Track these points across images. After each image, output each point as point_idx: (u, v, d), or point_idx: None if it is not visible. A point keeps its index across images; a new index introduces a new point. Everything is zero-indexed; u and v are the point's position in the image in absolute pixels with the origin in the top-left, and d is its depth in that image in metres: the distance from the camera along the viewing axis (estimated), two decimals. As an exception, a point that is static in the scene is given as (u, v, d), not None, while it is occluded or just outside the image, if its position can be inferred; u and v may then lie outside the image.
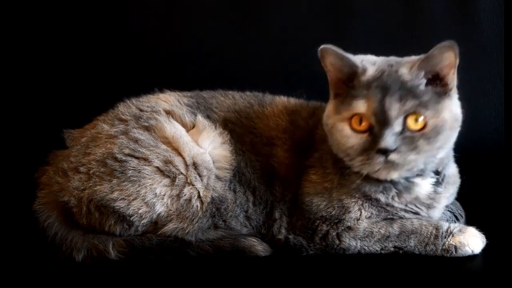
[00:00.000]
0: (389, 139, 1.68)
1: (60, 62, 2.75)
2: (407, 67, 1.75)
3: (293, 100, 2.08)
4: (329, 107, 1.84)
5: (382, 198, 1.82)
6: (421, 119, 1.70)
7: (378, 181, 1.81)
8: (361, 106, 1.73)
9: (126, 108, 1.99)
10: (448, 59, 1.72)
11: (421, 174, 1.82)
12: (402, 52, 1.88)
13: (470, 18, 2.59)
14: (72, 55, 2.75)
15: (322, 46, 1.77)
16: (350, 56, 1.79)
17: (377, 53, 1.88)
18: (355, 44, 1.90)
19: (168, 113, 1.96)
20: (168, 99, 2.02)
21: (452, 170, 1.95)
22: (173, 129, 1.89)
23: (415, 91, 1.71)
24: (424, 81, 1.73)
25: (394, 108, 1.69)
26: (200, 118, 1.96)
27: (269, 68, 2.72)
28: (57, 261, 1.84)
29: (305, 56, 2.67)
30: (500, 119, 2.60)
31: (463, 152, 2.02)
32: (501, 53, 2.58)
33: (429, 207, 1.86)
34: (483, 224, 1.86)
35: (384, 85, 1.72)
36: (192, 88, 2.14)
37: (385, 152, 1.69)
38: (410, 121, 1.70)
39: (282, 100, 2.07)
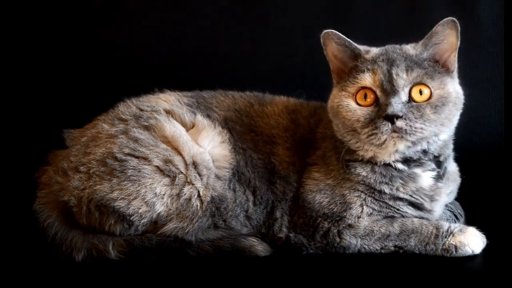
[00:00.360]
0: (396, 106, 1.71)
1: (60, 62, 2.75)
2: (411, 45, 1.83)
3: (293, 100, 2.09)
4: (334, 91, 1.88)
5: (386, 189, 1.83)
6: (426, 91, 1.75)
7: (383, 174, 1.82)
8: (367, 78, 1.77)
9: (126, 108, 1.99)
10: (450, 37, 1.78)
11: (422, 161, 1.83)
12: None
13: (470, 18, 2.59)
14: (72, 55, 2.76)
15: (324, 31, 1.83)
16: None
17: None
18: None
19: (168, 112, 1.96)
20: (168, 99, 2.03)
21: (452, 168, 1.97)
22: (173, 128, 1.89)
23: (421, 63, 1.77)
24: (428, 58, 1.79)
25: (401, 77, 1.74)
26: (199, 118, 1.96)
27: (269, 69, 2.72)
28: (57, 261, 1.84)
29: (305, 57, 2.69)
30: (500, 119, 2.60)
31: (463, 152, 2.02)
32: (501, 53, 2.58)
33: (432, 199, 1.87)
34: (483, 224, 1.86)
35: (390, 58, 1.77)
36: (192, 88, 2.14)
37: (392, 119, 1.71)
38: (415, 93, 1.75)
39: (282, 99, 2.09)
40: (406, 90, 1.74)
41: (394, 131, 1.72)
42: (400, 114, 1.71)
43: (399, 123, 1.71)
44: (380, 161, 1.83)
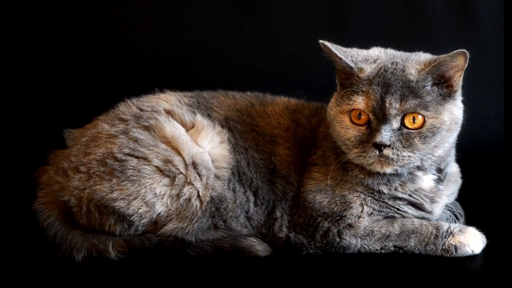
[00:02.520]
0: (385, 135, 1.71)
1: (60, 62, 2.75)
2: (416, 69, 1.76)
3: (294, 100, 2.09)
4: (333, 98, 1.87)
5: (385, 189, 1.83)
6: (419, 117, 1.73)
7: (381, 174, 1.82)
8: (360, 102, 1.76)
9: (127, 108, 1.99)
10: (458, 65, 1.74)
11: (421, 168, 1.83)
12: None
13: (470, 18, 2.59)
14: (72, 55, 2.75)
15: (320, 42, 1.81)
16: (349, 52, 1.82)
17: (377, 53, 1.88)
18: (355, 44, 1.91)
19: (168, 112, 1.96)
20: (168, 99, 2.03)
21: (453, 169, 1.97)
22: (173, 128, 1.89)
23: (418, 92, 1.73)
24: (430, 82, 1.75)
25: (394, 107, 1.72)
26: (199, 118, 1.96)
27: (269, 69, 2.72)
28: (57, 261, 1.84)
29: (305, 57, 2.69)
30: (500, 119, 2.60)
31: (463, 152, 2.02)
32: (501, 53, 2.58)
33: (432, 200, 1.87)
34: (483, 224, 1.86)
35: (385, 83, 1.74)
36: (193, 88, 2.14)
37: (380, 147, 1.72)
38: (408, 120, 1.73)
39: (283, 100, 2.09)
40: (398, 118, 1.73)
41: (381, 156, 1.73)
42: (388, 143, 1.71)
43: (386, 151, 1.72)
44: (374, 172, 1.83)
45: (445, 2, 2.62)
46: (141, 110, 1.97)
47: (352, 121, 1.79)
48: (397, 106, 1.71)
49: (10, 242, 1.99)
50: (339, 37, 1.88)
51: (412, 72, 1.75)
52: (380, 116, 1.73)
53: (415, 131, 1.73)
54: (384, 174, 1.82)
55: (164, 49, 2.75)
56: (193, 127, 1.95)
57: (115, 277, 1.78)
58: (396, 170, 1.79)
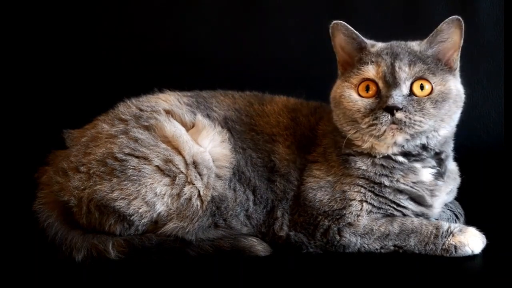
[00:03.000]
0: (396, 98, 1.75)
1: (60, 62, 2.75)
2: (416, 42, 1.86)
3: (292, 99, 2.10)
4: (337, 82, 1.91)
5: (386, 181, 1.84)
6: (427, 86, 1.78)
7: (383, 165, 1.84)
8: (370, 70, 1.81)
9: (126, 108, 1.99)
10: (454, 36, 1.81)
11: (422, 157, 1.84)
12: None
13: (470, 18, 2.59)
14: (72, 55, 2.76)
15: (333, 22, 1.87)
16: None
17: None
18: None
19: (168, 112, 1.96)
20: (168, 99, 2.03)
21: (452, 167, 1.98)
22: (173, 128, 1.89)
23: (424, 59, 1.80)
24: (432, 55, 1.82)
25: (404, 70, 1.77)
26: (199, 117, 1.96)
27: (268, 69, 2.72)
28: (57, 261, 1.84)
29: (304, 56, 2.69)
30: (500, 119, 2.60)
31: (463, 152, 2.03)
32: (501, 53, 2.58)
33: (432, 194, 1.87)
34: (483, 224, 1.86)
35: (394, 52, 1.81)
36: (192, 88, 2.14)
37: (392, 110, 1.74)
38: (416, 88, 1.78)
39: (282, 99, 2.09)
40: (408, 83, 1.77)
41: (393, 122, 1.75)
42: (400, 106, 1.74)
43: (399, 115, 1.74)
44: (378, 153, 1.84)
45: (445, 2, 2.63)
46: (141, 110, 1.97)
47: (360, 95, 1.82)
48: (407, 69, 1.77)
49: (10, 242, 1.99)
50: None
51: (414, 44, 1.86)
52: (391, 82, 1.77)
53: (425, 97, 1.77)
54: (386, 165, 1.82)
55: (164, 49, 2.75)
56: (193, 126, 1.95)
57: (115, 277, 1.78)
58: (407, 141, 1.80)
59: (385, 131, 1.76)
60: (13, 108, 2.72)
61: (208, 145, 1.91)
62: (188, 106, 2.01)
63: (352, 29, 1.86)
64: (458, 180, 2.00)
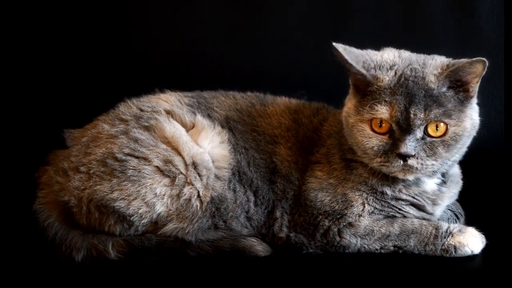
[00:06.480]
0: (410, 145, 1.70)
1: (60, 62, 2.75)
2: (435, 75, 1.74)
3: (294, 101, 2.09)
4: (349, 104, 1.83)
5: (388, 191, 1.84)
6: (442, 125, 1.72)
7: (385, 176, 1.82)
8: (384, 112, 1.73)
9: (127, 108, 1.99)
10: (476, 71, 1.72)
11: (435, 173, 1.84)
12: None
13: (470, 18, 2.59)
14: (72, 55, 2.76)
15: (333, 45, 1.76)
16: (362, 57, 1.78)
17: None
18: (355, 44, 1.91)
19: (168, 113, 1.96)
20: (169, 99, 2.03)
21: (455, 170, 1.96)
22: (173, 129, 1.89)
23: (440, 100, 1.72)
24: (447, 86, 1.74)
25: (419, 118, 1.70)
26: (199, 118, 1.96)
27: (270, 69, 2.72)
28: (57, 261, 1.84)
29: (306, 57, 2.69)
30: (500, 119, 2.60)
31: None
32: (501, 53, 2.58)
33: (434, 203, 1.87)
34: (483, 224, 1.86)
35: (408, 93, 1.72)
36: (193, 89, 2.14)
37: (405, 157, 1.71)
38: (431, 128, 1.72)
39: (284, 100, 2.08)
40: (422, 128, 1.72)
41: (405, 166, 1.73)
42: (413, 153, 1.71)
43: (411, 161, 1.72)
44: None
45: (445, 2, 2.63)
46: (141, 110, 1.97)
47: (373, 130, 1.76)
48: (422, 116, 1.70)
49: (10, 242, 1.99)
50: (339, 38, 1.87)
51: (432, 79, 1.73)
52: (405, 127, 1.71)
53: (439, 139, 1.72)
54: (390, 176, 1.82)
55: (164, 49, 2.75)
56: (193, 127, 1.95)
57: (114, 277, 1.78)
58: (418, 178, 1.81)
59: (395, 172, 1.76)
60: (13, 108, 2.72)
61: (207, 145, 1.91)
62: (189, 106, 2.01)
63: (346, 58, 1.73)
64: (460, 184, 1.98)
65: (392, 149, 1.73)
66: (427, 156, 1.73)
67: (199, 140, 1.91)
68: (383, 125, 1.75)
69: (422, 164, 1.72)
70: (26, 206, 1.95)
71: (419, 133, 1.72)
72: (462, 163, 2.00)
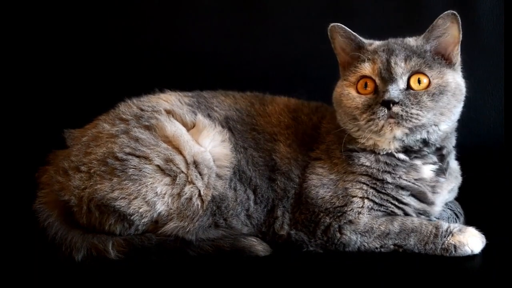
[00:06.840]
0: (393, 92, 1.76)
1: (60, 62, 2.75)
2: (413, 38, 1.87)
3: (293, 100, 2.11)
4: (338, 83, 1.93)
5: (389, 178, 1.85)
6: (425, 80, 1.79)
7: (386, 163, 1.85)
8: (367, 67, 1.82)
9: (127, 108, 1.99)
10: (451, 31, 1.82)
11: (423, 153, 1.85)
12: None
13: (470, 18, 2.59)
14: (72, 55, 2.76)
15: (331, 24, 1.88)
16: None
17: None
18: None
19: (169, 112, 1.96)
20: (169, 99, 2.03)
21: (454, 165, 1.99)
22: (174, 128, 1.90)
23: (421, 54, 1.81)
24: (429, 50, 1.83)
25: (399, 66, 1.78)
26: (200, 117, 1.96)
27: (269, 69, 2.72)
28: (57, 261, 1.84)
29: (305, 57, 2.69)
30: (500, 119, 2.61)
31: (463, 152, 2.03)
32: (501, 53, 2.59)
33: (433, 191, 1.88)
34: (483, 224, 1.86)
35: (389, 48, 1.83)
36: (193, 88, 2.14)
37: (388, 104, 1.75)
38: (413, 82, 1.78)
39: (282, 99, 2.10)
40: (404, 78, 1.79)
41: (390, 116, 1.76)
42: (397, 100, 1.75)
43: (395, 108, 1.75)
44: (381, 149, 1.85)
45: (445, 2, 2.63)
46: (142, 110, 1.97)
47: (358, 92, 1.84)
48: (402, 65, 1.78)
49: (10, 242, 1.99)
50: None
51: (410, 39, 1.87)
52: (387, 77, 1.78)
53: (422, 91, 1.78)
54: (389, 163, 1.83)
55: (164, 49, 2.76)
56: (193, 126, 1.95)
57: (114, 277, 1.78)
58: (406, 135, 1.81)
59: (383, 125, 1.77)
60: (13, 108, 2.73)
61: (208, 144, 1.92)
62: (189, 106, 2.01)
63: (350, 30, 1.88)
64: (459, 179, 2.01)
65: (377, 101, 1.78)
66: (412, 104, 1.76)
67: (200, 139, 1.92)
68: (368, 86, 1.82)
69: (407, 112, 1.75)
70: (26, 206, 1.95)
71: (401, 84, 1.78)
72: (462, 162, 2.01)
